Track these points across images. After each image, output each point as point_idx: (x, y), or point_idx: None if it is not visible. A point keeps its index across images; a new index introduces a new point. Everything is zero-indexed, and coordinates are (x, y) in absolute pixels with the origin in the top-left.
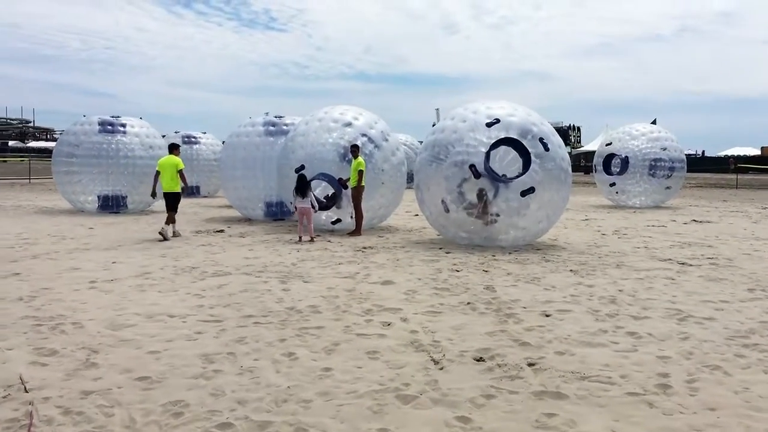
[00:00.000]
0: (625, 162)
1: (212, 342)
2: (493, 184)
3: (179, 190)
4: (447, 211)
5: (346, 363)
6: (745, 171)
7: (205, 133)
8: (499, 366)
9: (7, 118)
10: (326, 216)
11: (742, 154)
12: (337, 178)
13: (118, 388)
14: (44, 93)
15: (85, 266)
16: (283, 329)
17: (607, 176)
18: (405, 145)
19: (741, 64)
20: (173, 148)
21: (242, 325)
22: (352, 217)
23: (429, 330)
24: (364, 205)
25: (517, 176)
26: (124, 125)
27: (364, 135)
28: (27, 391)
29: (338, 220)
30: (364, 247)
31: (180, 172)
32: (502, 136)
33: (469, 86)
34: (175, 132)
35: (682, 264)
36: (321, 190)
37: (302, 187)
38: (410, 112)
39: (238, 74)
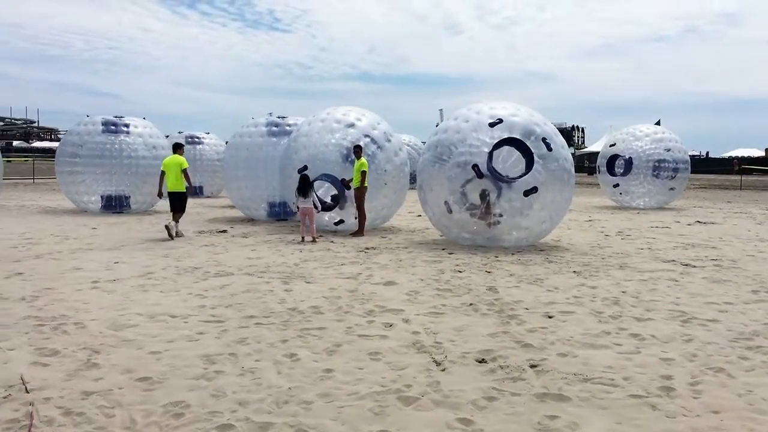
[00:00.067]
0: (628, 163)
1: (214, 342)
2: (496, 184)
3: (184, 190)
4: (450, 211)
5: (347, 364)
6: (749, 172)
7: (208, 133)
8: (502, 368)
9: (11, 119)
10: (329, 217)
11: (746, 155)
12: (339, 179)
13: (119, 389)
14: (48, 93)
15: (88, 266)
16: (284, 330)
17: (611, 177)
18: (408, 145)
19: (745, 65)
20: (177, 148)
21: (244, 326)
22: (356, 218)
23: (431, 331)
24: (367, 206)
25: (520, 176)
26: (127, 125)
27: (366, 136)
28: (28, 392)
29: (341, 221)
30: (367, 248)
31: (184, 171)
32: (505, 136)
33: (472, 87)
34: (179, 132)
35: (686, 265)
36: (324, 190)
37: (304, 187)
38: (413, 112)
39: (242, 75)
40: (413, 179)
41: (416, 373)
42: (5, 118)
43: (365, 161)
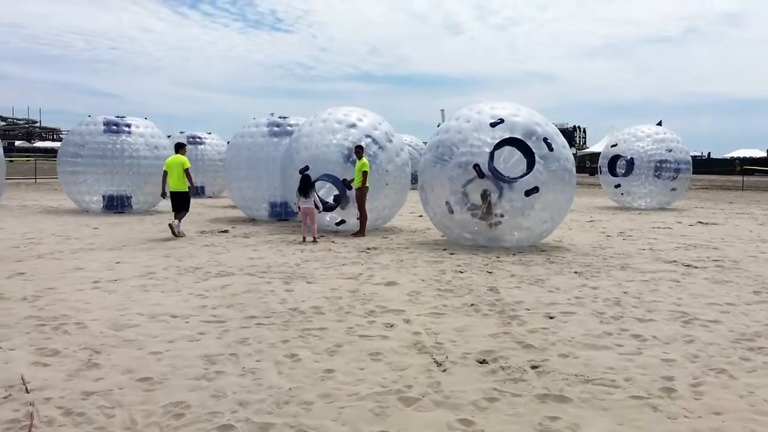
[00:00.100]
0: (630, 163)
1: (214, 343)
2: (498, 185)
3: (187, 190)
4: (451, 212)
5: (348, 365)
6: (751, 173)
7: (210, 133)
8: (503, 368)
9: (13, 118)
10: (330, 217)
11: (747, 155)
12: (341, 179)
13: (119, 389)
14: (50, 93)
15: (90, 266)
16: (285, 330)
17: (613, 178)
18: (409, 146)
19: (747, 65)
20: (179, 148)
21: (245, 326)
22: (357, 218)
23: (432, 332)
24: (368, 206)
25: (522, 176)
26: (129, 125)
27: (368, 136)
28: (28, 392)
29: (342, 221)
30: (368, 248)
31: (186, 171)
32: (507, 136)
33: (473, 87)
34: (180, 132)
35: (688, 266)
36: (326, 191)
37: (305, 187)
38: (414, 112)
39: (244, 75)
40: (414, 179)
41: (417, 374)
42: (7, 118)
43: (366, 161)
